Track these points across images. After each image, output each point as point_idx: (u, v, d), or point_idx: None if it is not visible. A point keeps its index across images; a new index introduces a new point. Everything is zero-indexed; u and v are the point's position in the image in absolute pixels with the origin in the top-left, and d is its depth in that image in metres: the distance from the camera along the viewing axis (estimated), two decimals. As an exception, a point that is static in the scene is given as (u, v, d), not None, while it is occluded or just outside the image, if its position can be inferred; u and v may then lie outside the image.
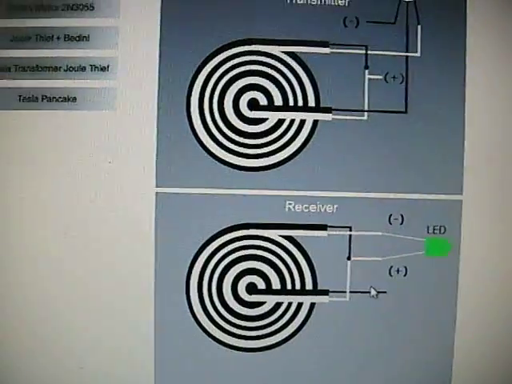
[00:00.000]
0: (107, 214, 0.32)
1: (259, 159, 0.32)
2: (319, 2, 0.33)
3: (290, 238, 0.33)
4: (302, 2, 0.33)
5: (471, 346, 0.33)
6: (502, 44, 0.33)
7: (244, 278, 0.33)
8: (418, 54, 0.33)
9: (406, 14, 0.33)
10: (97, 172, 0.32)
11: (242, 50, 0.32)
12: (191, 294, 0.32)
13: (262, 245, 0.33)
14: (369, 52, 0.33)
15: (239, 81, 0.32)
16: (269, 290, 0.33)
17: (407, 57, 0.33)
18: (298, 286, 0.33)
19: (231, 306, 0.33)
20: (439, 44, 0.33)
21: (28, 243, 0.32)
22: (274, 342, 0.33)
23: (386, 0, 0.33)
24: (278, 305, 0.33)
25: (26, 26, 0.32)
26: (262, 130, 0.33)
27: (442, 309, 0.33)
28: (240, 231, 0.32)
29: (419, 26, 0.33)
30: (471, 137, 0.33)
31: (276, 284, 0.33)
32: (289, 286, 0.33)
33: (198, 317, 0.32)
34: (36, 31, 0.32)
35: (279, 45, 0.32)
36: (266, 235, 0.32)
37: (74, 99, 0.32)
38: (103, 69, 0.32)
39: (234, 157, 0.32)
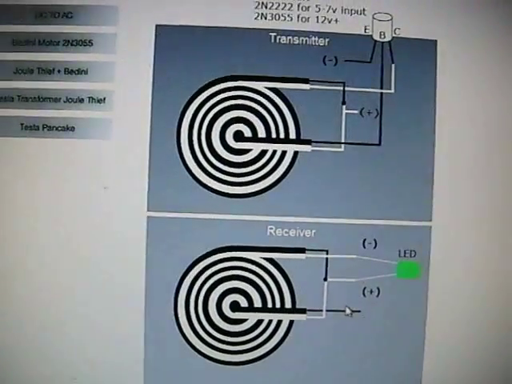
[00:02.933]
0: (102, 236, 0.34)
1: (243, 187, 0.35)
2: (301, 42, 0.35)
3: (271, 260, 0.35)
4: (284, 41, 0.35)
5: (440, 364, 0.35)
6: (470, 82, 0.35)
7: (228, 297, 0.35)
8: (392, 91, 0.35)
9: (381, 54, 0.35)
10: (93, 196, 0.34)
11: (229, 86, 0.35)
12: (179, 311, 0.35)
13: (245, 266, 0.35)
14: (346, 88, 0.35)
15: (226, 114, 0.35)
16: (251, 308, 0.35)
17: (382, 93, 0.35)
18: (277, 305, 0.35)
19: (216, 322, 0.35)
20: (412, 82, 0.35)
21: (24, 263, 0.34)
22: (255, 356, 0.35)
23: (362, 40, 0.35)
24: (259, 322, 0.35)
25: (28, 59, 0.35)
26: (247, 159, 0.35)
27: (412, 327, 0.35)
28: (225, 253, 0.35)
29: (393, 65, 0.35)
30: (440, 167, 0.35)
31: (257, 302, 0.35)
32: (269, 305, 0.35)
33: (185, 332, 0.35)
34: (38, 64, 0.35)
35: (263, 81, 0.35)
36: (248, 257, 0.35)
37: (73, 128, 0.35)
38: (100, 101, 0.35)
39: (220, 184, 0.35)
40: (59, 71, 0.35)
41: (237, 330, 0.35)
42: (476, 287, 0.36)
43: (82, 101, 0.35)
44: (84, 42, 0.35)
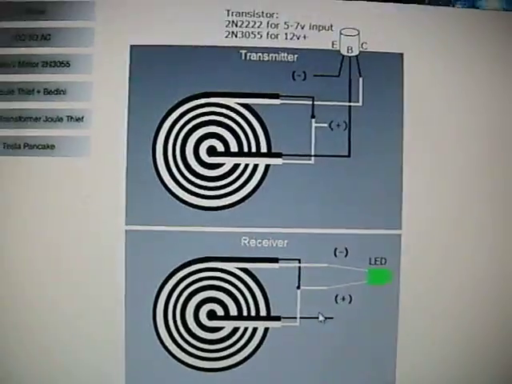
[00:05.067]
0: (82, 249, 0.35)
1: (217, 200, 0.36)
2: (270, 58, 0.36)
3: (245, 270, 0.36)
4: (255, 58, 0.36)
5: (412, 369, 0.36)
6: (436, 94, 0.36)
7: (205, 306, 0.36)
8: (360, 104, 0.36)
9: (348, 68, 0.36)
10: (72, 211, 0.36)
11: (202, 103, 0.36)
12: (157, 320, 0.36)
13: (220, 276, 0.36)
14: (315, 102, 0.36)
15: (199, 130, 0.36)
16: (227, 316, 0.36)
17: (350, 106, 0.36)
18: (253, 313, 0.36)
19: (193, 330, 0.36)
20: (379, 94, 0.36)
21: (5, 278, 0.35)
22: (232, 362, 0.36)
23: (330, 55, 0.36)
24: (235, 329, 0.36)
25: (9, 81, 0.36)
26: (220, 173, 0.36)
27: (384, 333, 0.36)
28: (201, 264, 0.36)
29: (361, 79, 0.36)
30: (408, 177, 0.36)
31: (233, 311, 0.36)
32: (245, 313, 0.36)
33: (164, 341, 0.36)
34: (18, 85, 0.36)
35: (234, 97, 0.36)
36: (224, 267, 0.36)
37: (53, 146, 0.36)
38: (78, 119, 0.36)
39: (195, 198, 0.36)
40: (38, 91, 0.36)
41: (214, 338, 0.36)
42: (446, 292, 0.37)
43: (61, 120, 0.36)
44: (62, 63, 0.36)
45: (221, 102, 0.36)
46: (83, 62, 0.36)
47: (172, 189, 0.36)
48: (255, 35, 0.36)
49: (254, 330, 0.36)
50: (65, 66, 0.36)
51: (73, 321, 0.35)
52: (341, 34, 0.36)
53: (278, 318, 0.36)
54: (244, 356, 0.36)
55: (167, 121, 0.36)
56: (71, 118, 0.36)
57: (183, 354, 0.36)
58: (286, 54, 0.36)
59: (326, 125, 0.36)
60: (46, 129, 0.36)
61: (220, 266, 0.36)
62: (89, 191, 0.35)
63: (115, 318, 0.35)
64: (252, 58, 0.36)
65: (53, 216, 0.36)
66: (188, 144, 0.36)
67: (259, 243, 0.36)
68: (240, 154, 0.36)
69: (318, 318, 0.36)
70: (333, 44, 0.36)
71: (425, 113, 0.36)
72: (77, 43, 0.36)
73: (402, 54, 0.36)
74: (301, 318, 0.36)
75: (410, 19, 0.36)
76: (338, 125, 0.36)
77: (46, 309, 0.35)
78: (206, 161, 0.36)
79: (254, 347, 0.36)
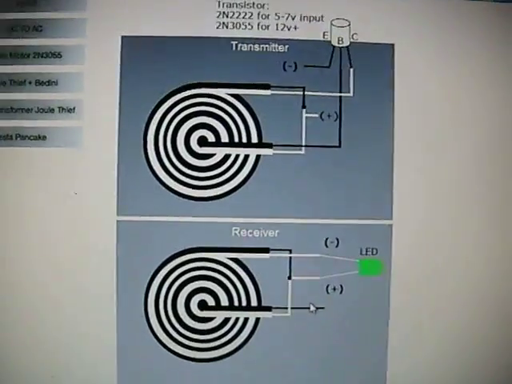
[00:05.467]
0: (73, 240, 0.36)
1: (208, 190, 0.36)
2: (261, 49, 0.36)
3: (236, 260, 0.36)
4: (245, 49, 0.36)
5: (403, 360, 0.36)
6: (427, 85, 0.36)
7: (196, 296, 0.36)
8: (351, 94, 0.36)
9: (339, 59, 0.36)
10: (64, 202, 0.36)
11: (193, 93, 0.36)
12: (149, 310, 0.36)
13: (211, 266, 0.36)
14: (306, 93, 0.36)
15: (190, 120, 0.36)
16: (218, 307, 0.36)
17: (340, 97, 0.36)
18: (244, 303, 0.36)
19: (185, 320, 0.36)
20: (370, 85, 0.36)
21: None
22: (223, 353, 0.36)
23: (321, 46, 0.36)
24: (226, 320, 0.36)
25: (1, 72, 0.36)
26: (211, 164, 0.36)
27: (375, 323, 0.36)
28: (192, 254, 0.36)
29: (351, 69, 0.36)
30: (399, 167, 0.36)
31: (224, 301, 0.36)
32: (236, 303, 0.36)
33: (156, 331, 0.36)
34: (10, 76, 0.36)
35: (225, 88, 0.36)
36: (215, 258, 0.36)
37: (44, 137, 0.36)
38: (70, 110, 0.36)
39: (186, 188, 0.36)
40: (30, 82, 0.36)
41: (205, 328, 0.36)
42: (437, 282, 0.37)
43: (52, 111, 0.36)
44: (53, 54, 0.36)
45: (212, 92, 0.36)
46: (75, 52, 0.36)
47: (163, 179, 0.36)
48: (246, 26, 0.36)
49: (245, 320, 0.36)
50: (56, 56, 0.36)
51: (64, 310, 0.35)
52: (331, 24, 0.36)
53: (269, 309, 0.36)
54: (235, 346, 0.36)
55: (158, 111, 0.36)
56: (63, 108, 0.36)
57: (174, 344, 0.36)
58: (276, 45, 0.36)
59: (316, 115, 0.36)
60: (37, 120, 0.36)
61: (211, 257, 0.36)
62: (80, 182, 0.35)
63: (106, 309, 0.35)
64: (243, 49, 0.36)
65: (44, 206, 0.36)
66: (179, 134, 0.36)
67: (250, 233, 0.36)
68: (231, 144, 0.36)
69: (309, 308, 0.36)
70: (324, 35, 0.36)
71: (416, 103, 0.36)
72: (68, 34, 0.36)
73: (393, 45, 0.36)
74: (292, 308, 0.36)
75: (400, 10, 0.36)
76: (329, 115, 0.36)
77: (35, 303, 0.35)
78: (197, 151, 0.36)
79: (245, 337, 0.36)
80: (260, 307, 0.36)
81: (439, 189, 0.36)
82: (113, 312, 0.36)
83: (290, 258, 0.36)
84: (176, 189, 0.36)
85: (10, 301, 0.36)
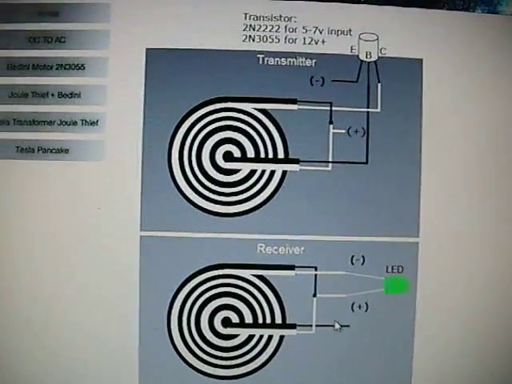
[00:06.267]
0: (97, 255, 0.35)
1: (233, 206, 0.35)
2: (288, 63, 0.36)
3: (261, 277, 0.36)
4: (272, 63, 0.36)
5: (428, 378, 0.36)
6: (456, 100, 0.36)
7: (220, 313, 0.36)
8: (378, 110, 0.36)
9: (367, 74, 0.36)
10: (87, 217, 0.35)
11: (218, 107, 0.35)
12: (172, 327, 0.35)
13: (235, 283, 0.36)
14: (333, 108, 0.36)
15: (215, 135, 0.36)
16: (242, 324, 0.36)
17: (368, 112, 0.36)
18: (268, 320, 0.36)
19: (208, 338, 0.36)
20: (397, 100, 0.36)
21: (18, 281, 0.35)
22: (247, 370, 0.36)
23: (349, 60, 0.36)
24: (250, 337, 0.36)
25: (23, 84, 0.36)
26: (236, 179, 0.36)
27: (400, 342, 0.36)
28: (216, 271, 0.35)
29: (379, 84, 0.36)
30: (427, 184, 0.36)
31: (248, 318, 0.36)
32: (260, 320, 0.36)
33: (178, 348, 0.36)
34: (32, 88, 0.36)
35: (252, 102, 0.35)
36: (239, 274, 0.36)
37: (67, 151, 0.36)
38: (93, 123, 0.36)
39: (211, 204, 0.35)
40: (53, 95, 0.36)
41: (228, 345, 0.36)
42: (464, 301, 0.36)
43: (75, 123, 0.36)
44: (76, 66, 0.36)
45: (238, 106, 0.35)
46: (98, 64, 0.35)
47: (187, 194, 0.35)
48: (273, 39, 0.36)
49: (269, 337, 0.36)
50: (79, 68, 0.35)
51: (87, 328, 0.35)
52: (359, 38, 0.36)
53: (293, 326, 0.36)
54: (259, 364, 0.36)
55: (183, 125, 0.35)
56: (85, 121, 0.35)
57: (197, 361, 0.36)
58: (303, 59, 0.35)
59: (343, 131, 0.36)
60: (60, 132, 0.35)
61: (235, 273, 0.35)
62: (103, 196, 0.35)
63: (130, 325, 0.35)
64: (269, 63, 0.35)
65: (67, 220, 0.35)
66: (204, 149, 0.36)
67: (275, 250, 0.35)
68: (257, 159, 0.35)
69: (333, 326, 0.36)
70: (351, 49, 0.35)
71: (444, 120, 0.36)
72: (92, 46, 0.35)
73: (421, 60, 0.36)
74: (316, 325, 0.36)
75: (429, 24, 0.36)
76: (356, 131, 0.36)
77: (60, 317, 0.35)
78: (222, 166, 0.36)
79: (269, 355, 0.36)
80: (284, 325, 0.36)
81: (467, 206, 0.36)
82: (135, 327, 0.35)
83: (316, 275, 0.35)
84: (200, 204, 0.35)
85: (29, 316, 0.35)
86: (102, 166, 0.35)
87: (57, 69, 0.36)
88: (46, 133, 0.35)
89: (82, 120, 0.35)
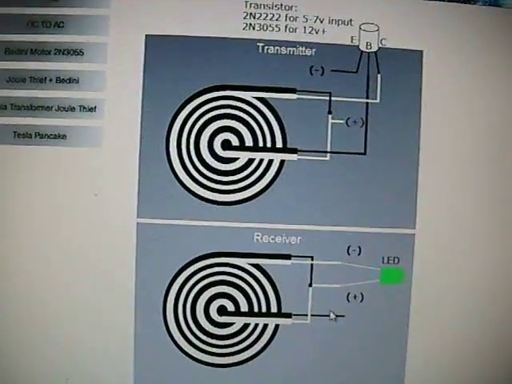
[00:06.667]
0: (93, 241, 0.35)
1: (231, 194, 0.35)
2: (288, 52, 0.36)
3: (257, 266, 0.36)
4: (272, 51, 0.35)
5: (422, 369, 0.36)
6: (456, 92, 0.36)
7: (215, 301, 0.36)
8: (378, 101, 0.36)
9: (367, 64, 0.36)
10: (84, 203, 0.35)
11: (217, 95, 0.35)
12: (167, 315, 0.35)
13: (232, 271, 0.36)
14: (332, 98, 0.35)
15: (214, 123, 0.35)
16: (237, 312, 0.36)
17: (367, 103, 0.36)
18: (263, 309, 0.36)
19: (203, 326, 0.36)
20: (397, 92, 0.36)
21: (19, 265, 0.35)
22: (242, 358, 0.36)
23: (348, 51, 0.35)
24: (245, 325, 0.36)
25: (21, 68, 0.35)
26: (234, 168, 0.35)
27: (395, 332, 0.36)
28: (212, 259, 0.35)
29: (379, 75, 0.36)
30: (424, 176, 0.36)
31: (244, 307, 0.36)
32: (255, 309, 0.36)
33: (174, 335, 0.36)
34: (30, 73, 0.35)
35: (251, 91, 0.35)
36: (235, 263, 0.36)
37: (64, 136, 0.35)
38: (91, 109, 0.35)
39: (208, 192, 0.35)
40: (51, 80, 0.35)
41: (224, 334, 0.36)
42: (459, 293, 0.36)
43: (73, 109, 0.35)
44: (75, 52, 0.35)
45: (237, 95, 0.35)
46: (97, 50, 0.35)
47: (185, 182, 0.35)
48: (273, 28, 0.35)
49: (265, 326, 0.36)
50: (78, 54, 0.35)
51: (83, 313, 0.35)
52: (360, 29, 0.35)
53: (288, 315, 0.36)
54: (254, 352, 0.36)
55: (182, 113, 0.35)
56: (84, 107, 0.35)
57: (193, 349, 0.36)
58: (303, 48, 0.35)
59: (342, 121, 0.35)
60: (57, 118, 0.35)
61: (232, 262, 0.35)
62: (100, 183, 0.35)
63: (125, 311, 0.35)
64: (269, 51, 0.35)
65: (63, 207, 0.35)
66: (202, 137, 0.35)
67: (272, 239, 0.35)
68: (255, 148, 0.35)
69: (329, 315, 0.36)
70: (352, 39, 0.35)
71: (443, 111, 0.36)
72: (91, 31, 0.35)
73: (421, 52, 0.36)
74: (312, 315, 0.36)
75: (430, 16, 0.36)
76: (355, 121, 0.35)
77: (55, 301, 0.35)
78: (221, 154, 0.35)
79: (264, 343, 0.36)
80: (280, 314, 0.36)
81: (464, 199, 0.36)
82: (131, 315, 0.35)
83: (312, 265, 0.35)
84: (198, 192, 0.35)
85: (26, 306, 0.35)
86: (99, 153, 0.35)
87: (55, 54, 0.35)
88: (43, 118, 0.35)
89: (80, 106, 0.35)
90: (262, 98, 0.35)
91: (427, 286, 0.36)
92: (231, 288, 0.36)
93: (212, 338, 0.36)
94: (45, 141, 0.35)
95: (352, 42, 0.35)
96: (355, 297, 0.36)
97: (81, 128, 0.35)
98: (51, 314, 0.35)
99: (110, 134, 0.35)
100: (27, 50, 0.35)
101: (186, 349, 0.36)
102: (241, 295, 0.36)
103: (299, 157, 0.35)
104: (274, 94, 0.35)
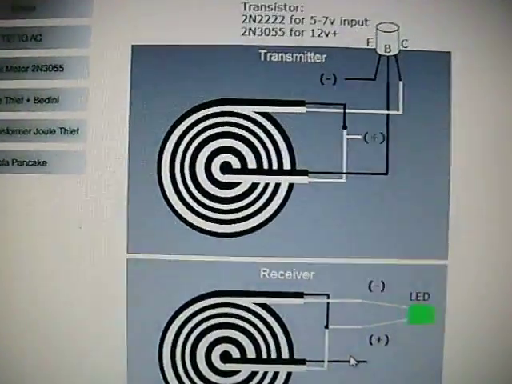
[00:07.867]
0: (78, 280, 0.31)
1: (232, 225, 0.32)
2: (295, 59, 0.32)
3: (264, 306, 0.32)
4: (276, 59, 0.32)
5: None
6: (490, 100, 0.32)
7: (218, 347, 0.32)
8: (400, 112, 0.32)
9: (386, 70, 0.32)
10: (67, 237, 0.31)
11: (214, 111, 0.32)
12: (164, 363, 0.32)
13: (235, 313, 0.32)
14: (347, 111, 0.32)
15: (211, 143, 0.32)
16: (244, 359, 0.32)
17: (388, 115, 0.32)
18: (273, 355, 0.32)
19: (206, 375, 0.32)
20: (422, 101, 0.32)
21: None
22: (250, 413, 0.32)
23: (364, 55, 0.32)
24: (253, 374, 0.32)
25: (-5, 88, 0.33)
26: (236, 194, 0.32)
27: (426, 379, 0.32)
28: (213, 299, 0.32)
29: (401, 82, 0.32)
30: (456, 199, 0.31)
31: (251, 353, 0.32)
32: (264, 355, 0.32)
33: (172, 385, 0.32)
34: (5, 93, 0.32)
35: (252, 105, 0.32)
36: (239, 303, 0.32)
37: (45, 163, 0.32)
38: (73, 132, 0.32)
39: (207, 222, 0.32)
40: (28, 100, 0.32)
41: (228, 383, 0.32)
42: (497, 332, 0.32)
43: (53, 132, 0.32)
44: (54, 67, 0.32)
45: (236, 110, 0.31)
46: (78, 65, 0.32)
47: (180, 212, 0.31)
48: (276, 32, 0.32)
49: (275, 374, 0.32)
50: (58, 70, 0.32)
51: (74, 363, 0.31)
52: (377, 29, 0.32)
53: (302, 362, 0.32)
54: (263, 404, 0.32)
55: (174, 133, 0.32)
56: (65, 129, 0.32)
57: (194, 401, 0.32)
58: (312, 54, 0.32)
59: (359, 137, 0.31)
60: (36, 142, 0.32)
61: (235, 302, 0.32)
62: (85, 214, 0.31)
63: (117, 360, 0.31)
64: (273, 59, 0.32)
65: (45, 241, 0.31)
66: (198, 160, 0.32)
67: (281, 275, 0.31)
68: (259, 171, 0.32)
69: (349, 361, 0.32)
70: (368, 42, 0.31)
71: (476, 122, 0.31)
72: (71, 44, 0.32)
73: (449, 53, 0.31)
74: (329, 361, 0.32)
75: (458, 13, 0.31)
76: (374, 137, 0.31)
77: (45, 355, 0.31)
78: (220, 179, 0.32)
79: (274, 395, 0.32)
80: (292, 360, 0.32)
81: (502, 224, 0.31)
82: (123, 364, 0.31)
83: (328, 303, 0.31)
84: (195, 223, 0.31)
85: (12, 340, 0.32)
86: (83, 180, 0.31)
87: (32, 71, 0.32)
88: (21, 143, 0.32)
89: (61, 128, 0.32)
90: (266, 112, 0.32)
91: (463, 325, 0.31)
92: (236, 331, 0.32)
93: (216, 389, 0.32)
94: (23, 168, 0.32)
95: (368, 44, 0.32)
96: (379, 339, 0.32)
97: (62, 153, 0.32)
98: (35, 357, 0.31)
99: (95, 159, 0.32)
100: (1, 67, 0.32)
101: (186, 402, 0.32)
102: (247, 339, 0.32)
103: (310, 179, 0.32)
104: (279, 107, 0.31)
